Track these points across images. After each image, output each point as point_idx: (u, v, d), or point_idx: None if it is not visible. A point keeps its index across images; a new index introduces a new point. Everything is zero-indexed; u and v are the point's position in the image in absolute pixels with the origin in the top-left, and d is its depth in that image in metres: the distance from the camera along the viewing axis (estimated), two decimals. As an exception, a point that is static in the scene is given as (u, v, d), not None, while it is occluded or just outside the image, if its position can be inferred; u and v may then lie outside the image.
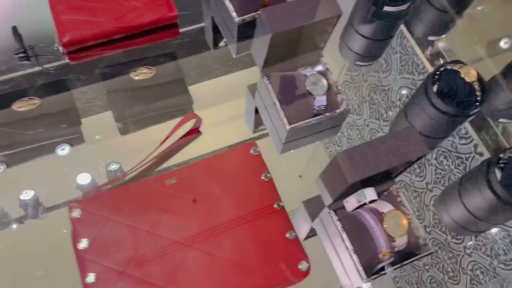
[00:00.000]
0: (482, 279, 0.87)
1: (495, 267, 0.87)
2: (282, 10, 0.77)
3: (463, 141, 0.97)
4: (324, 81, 0.85)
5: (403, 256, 0.75)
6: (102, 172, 0.84)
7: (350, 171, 0.64)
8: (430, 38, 1.12)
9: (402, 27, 1.09)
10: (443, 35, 1.12)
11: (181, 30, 1.00)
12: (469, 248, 0.88)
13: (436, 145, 0.99)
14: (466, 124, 0.97)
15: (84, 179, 0.83)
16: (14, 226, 0.80)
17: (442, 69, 0.83)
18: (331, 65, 0.89)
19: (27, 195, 0.81)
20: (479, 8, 1.16)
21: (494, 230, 0.89)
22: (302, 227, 0.85)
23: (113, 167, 0.84)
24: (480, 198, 0.79)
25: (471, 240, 0.89)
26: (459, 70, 0.81)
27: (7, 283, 0.76)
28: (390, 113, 1.08)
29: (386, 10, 0.92)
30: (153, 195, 0.76)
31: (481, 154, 0.94)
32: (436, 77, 0.83)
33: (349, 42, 1.05)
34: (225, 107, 1.00)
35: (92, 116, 0.90)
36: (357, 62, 1.08)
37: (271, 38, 0.76)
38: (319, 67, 0.88)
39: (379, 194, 0.79)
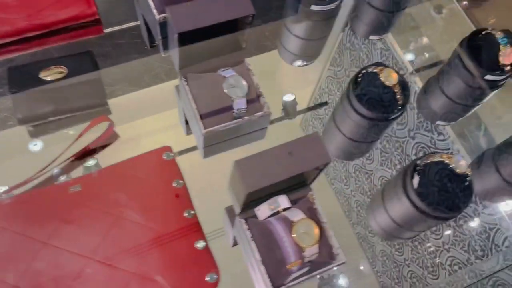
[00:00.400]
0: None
1: (473, 262, 0.87)
2: (192, 8, 0.74)
3: (441, 137, 0.97)
4: (244, 83, 0.82)
5: (316, 266, 0.73)
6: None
7: (246, 181, 0.61)
8: (372, 37, 1.10)
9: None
10: (384, 34, 1.10)
11: (110, 29, 0.95)
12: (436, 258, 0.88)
13: (368, 148, 0.96)
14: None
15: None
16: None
17: (363, 71, 0.80)
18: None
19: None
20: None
21: (472, 224, 0.90)
22: (228, 234, 0.82)
23: (90, 163, 0.81)
24: (399, 206, 0.77)
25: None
26: (379, 73, 0.78)
27: None
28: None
29: (314, 9, 0.90)
30: (54, 203, 0.72)
31: (458, 151, 0.96)
32: (358, 80, 0.80)
33: (284, 43, 1.02)
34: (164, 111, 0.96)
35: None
36: (296, 63, 1.05)
37: (179, 38, 0.72)
38: (238, 69, 0.84)
39: (295, 201, 0.76)
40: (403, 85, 0.79)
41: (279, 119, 0.95)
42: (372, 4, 1.00)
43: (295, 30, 0.97)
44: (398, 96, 0.78)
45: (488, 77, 0.83)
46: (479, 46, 0.84)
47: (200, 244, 0.74)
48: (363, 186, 0.96)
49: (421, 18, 1.15)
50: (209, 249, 0.74)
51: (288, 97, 0.98)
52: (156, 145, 0.84)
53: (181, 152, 0.86)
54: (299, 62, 1.04)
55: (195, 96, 0.81)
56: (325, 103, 1.04)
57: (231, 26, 0.79)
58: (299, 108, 0.99)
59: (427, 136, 0.98)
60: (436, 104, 0.96)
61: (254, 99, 0.83)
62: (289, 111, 0.97)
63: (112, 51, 0.95)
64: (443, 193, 0.70)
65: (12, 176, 0.77)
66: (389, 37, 1.09)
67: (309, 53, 1.05)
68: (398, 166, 0.96)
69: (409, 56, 1.09)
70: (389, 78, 0.78)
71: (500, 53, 0.82)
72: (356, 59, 1.09)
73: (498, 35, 0.83)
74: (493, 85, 0.86)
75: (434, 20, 1.15)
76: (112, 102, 0.89)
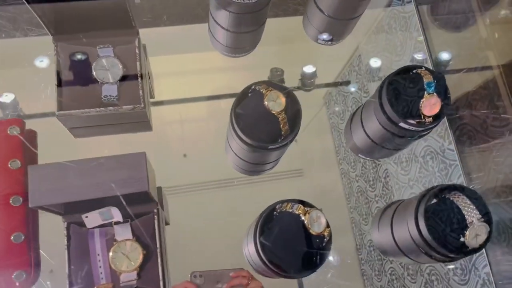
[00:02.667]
0: (435, 285, 0.86)
1: (450, 278, 0.85)
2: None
3: (451, 147, 0.90)
4: (120, 67, 0.71)
5: (135, 293, 0.65)
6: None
7: (33, 195, 0.52)
8: (319, 42, 0.96)
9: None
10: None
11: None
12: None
13: (262, 172, 0.85)
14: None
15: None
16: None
17: (251, 88, 0.67)
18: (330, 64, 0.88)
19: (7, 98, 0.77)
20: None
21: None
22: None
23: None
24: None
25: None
26: (265, 94, 0.65)
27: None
28: (337, 108, 1.03)
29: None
30: None
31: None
32: (243, 97, 0.68)
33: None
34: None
35: None
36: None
37: None
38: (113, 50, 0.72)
39: (138, 215, 0.66)
40: (291, 112, 0.66)
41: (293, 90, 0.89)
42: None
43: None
44: (281, 126, 0.66)
45: (404, 125, 0.70)
46: (403, 87, 0.71)
47: (16, 238, 0.66)
48: (367, 174, 0.95)
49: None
50: (27, 245, 0.67)
51: (308, 69, 0.92)
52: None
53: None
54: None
55: (62, 69, 0.71)
56: (348, 82, 1.01)
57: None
58: (323, 81, 0.95)
59: (439, 142, 0.90)
60: (356, 137, 0.84)
61: (133, 88, 0.73)
62: (305, 82, 0.92)
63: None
64: (283, 252, 0.60)
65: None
66: (432, 32, 0.98)
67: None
68: (404, 164, 0.93)
69: (445, 55, 0.97)
70: (276, 103, 0.66)
71: (422, 101, 0.69)
72: (390, 44, 1.00)
73: (427, 79, 0.69)
74: (412, 135, 0.73)
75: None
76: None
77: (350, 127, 0.86)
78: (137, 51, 0.73)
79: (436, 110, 0.69)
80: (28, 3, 0.61)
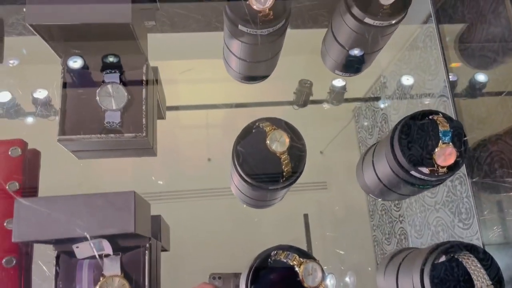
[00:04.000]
0: (441, 236, 0.86)
1: (455, 225, 0.84)
2: None
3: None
4: (125, 95, 0.70)
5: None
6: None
7: (18, 229, 0.51)
8: (337, 72, 0.93)
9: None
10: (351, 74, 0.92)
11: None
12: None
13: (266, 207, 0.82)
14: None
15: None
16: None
17: (255, 125, 0.65)
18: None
19: (41, 94, 0.78)
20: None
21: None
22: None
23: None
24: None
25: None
26: (268, 133, 0.63)
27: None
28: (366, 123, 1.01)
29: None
30: None
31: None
32: (250, 132, 0.65)
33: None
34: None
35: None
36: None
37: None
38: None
39: (126, 248, 0.65)
40: (295, 153, 0.63)
41: (319, 102, 0.91)
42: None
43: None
44: (283, 167, 0.63)
45: (416, 174, 0.66)
46: (417, 133, 0.66)
47: (7, 261, 0.65)
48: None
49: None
50: (18, 270, 0.66)
51: (338, 82, 0.90)
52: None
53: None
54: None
55: (67, 92, 0.70)
56: (378, 98, 1.00)
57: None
58: (352, 95, 0.94)
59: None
60: (367, 177, 0.80)
61: (137, 114, 0.71)
62: (335, 96, 0.91)
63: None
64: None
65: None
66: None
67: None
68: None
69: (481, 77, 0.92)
70: (279, 143, 0.63)
71: (436, 150, 0.64)
72: (424, 62, 0.96)
73: (443, 127, 0.65)
74: (424, 184, 0.68)
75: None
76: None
77: (362, 166, 0.82)
78: (144, 77, 0.72)
79: (450, 161, 0.64)
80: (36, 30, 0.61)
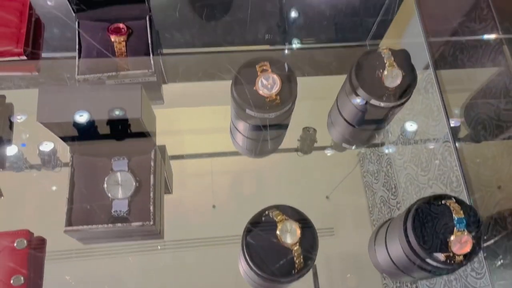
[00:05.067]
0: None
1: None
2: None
3: None
4: (132, 184, 0.69)
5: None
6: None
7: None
8: (344, 145, 0.93)
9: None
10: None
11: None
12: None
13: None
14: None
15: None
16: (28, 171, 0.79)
17: (264, 214, 0.64)
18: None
19: (47, 146, 0.78)
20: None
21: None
22: None
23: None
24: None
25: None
26: (278, 223, 0.61)
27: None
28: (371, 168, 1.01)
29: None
30: None
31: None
32: (260, 222, 0.64)
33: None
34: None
35: None
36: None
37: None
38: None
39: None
40: (306, 246, 0.62)
41: (323, 148, 0.91)
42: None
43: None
44: (295, 259, 0.61)
45: (430, 261, 0.64)
46: (431, 218, 0.65)
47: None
48: (390, 182, 0.93)
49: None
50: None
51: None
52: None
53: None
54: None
55: (75, 181, 0.70)
56: (383, 143, 0.99)
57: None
58: None
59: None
60: (379, 256, 0.78)
61: (144, 202, 0.71)
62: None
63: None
64: None
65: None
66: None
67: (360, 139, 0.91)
68: (424, 164, 0.90)
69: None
70: (290, 235, 0.61)
71: (452, 237, 0.63)
72: (427, 108, 0.97)
73: (457, 214, 0.63)
74: (440, 272, 0.66)
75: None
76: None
77: (374, 243, 0.80)
78: (152, 163, 0.72)
79: (466, 249, 0.62)
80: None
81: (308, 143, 0.90)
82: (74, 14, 0.80)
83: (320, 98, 0.94)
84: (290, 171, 0.91)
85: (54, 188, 0.79)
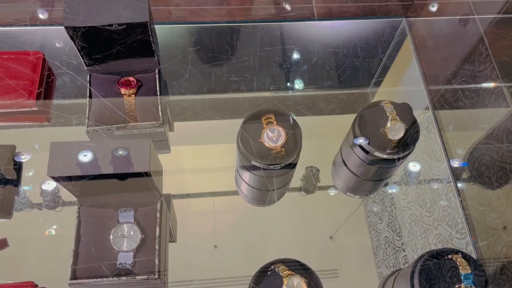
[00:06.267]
0: None
1: (453, 237, 0.84)
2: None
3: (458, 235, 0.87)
4: (138, 236, 0.69)
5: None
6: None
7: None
8: (348, 194, 0.93)
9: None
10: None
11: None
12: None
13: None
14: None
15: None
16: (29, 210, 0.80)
17: (269, 269, 0.64)
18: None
19: (49, 185, 0.80)
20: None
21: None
22: None
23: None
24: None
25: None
26: (284, 279, 0.61)
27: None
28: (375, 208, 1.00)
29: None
30: None
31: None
32: (265, 277, 0.64)
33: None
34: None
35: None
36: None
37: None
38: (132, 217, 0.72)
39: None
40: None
41: (326, 188, 0.92)
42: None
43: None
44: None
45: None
46: (437, 274, 0.64)
47: None
48: (394, 223, 0.93)
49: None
50: None
51: None
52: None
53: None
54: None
55: (81, 234, 0.70)
56: (386, 183, 0.96)
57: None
58: None
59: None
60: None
61: (151, 254, 0.70)
62: None
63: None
64: None
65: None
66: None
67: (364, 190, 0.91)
68: (429, 205, 0.91)
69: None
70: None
71: (460, 292, 0.62)
72: (429, 148, 0.98)
73: (464, 270, 0.63)
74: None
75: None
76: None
77: (381, 295, 0.79)
78: (158, 215, 0.72)
79: (475, 306, 0.61)
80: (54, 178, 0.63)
81: (311, 182, 0.91)
82: (85, 68, 0.83)
83: (322, 137, 0.95)
84: (293, 211, 0.91)
85: (59, 230, 0.79)
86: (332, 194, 0.91)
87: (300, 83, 1.01)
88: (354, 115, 0.81)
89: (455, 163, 0.91)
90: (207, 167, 0.94)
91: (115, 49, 0.81)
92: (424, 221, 0.92)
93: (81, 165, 0.61)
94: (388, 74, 1.07)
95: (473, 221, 0.85)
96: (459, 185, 0.89)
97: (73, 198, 0.74)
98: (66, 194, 0.79)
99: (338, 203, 0.92)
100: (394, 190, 1.01)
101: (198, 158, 0.94)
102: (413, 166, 0.96)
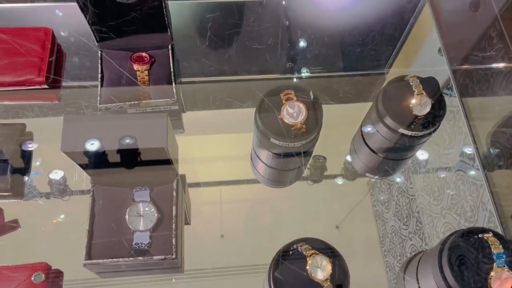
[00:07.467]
0: None
1: (462, 226, 0.82)
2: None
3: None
4: (154, 215, 0.67)
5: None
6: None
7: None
8: (368, 175, 0.90)
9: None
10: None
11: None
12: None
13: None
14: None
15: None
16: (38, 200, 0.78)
17: (292, 248, 0.61)
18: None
19: (57, 175, 0.78)
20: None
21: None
22: None
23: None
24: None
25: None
26: (308, 258, 0.58)
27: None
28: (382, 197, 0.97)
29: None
30: None
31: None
32: (287, 256, 0.61)
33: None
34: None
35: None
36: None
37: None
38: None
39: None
40: (338, 281, 0.59)
41: (333, 177, 0.89)
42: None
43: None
44: (325, 293, 0.58)
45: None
46: (467, 254, 0.62)
47: None
48: (401, 212, 0.91)
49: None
50: None
51: None
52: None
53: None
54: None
55: (96, 213, 0.68)
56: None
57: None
58: None
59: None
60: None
61: (168, 234, 0.68)
62: (350, 173, 0.89)
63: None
64: None
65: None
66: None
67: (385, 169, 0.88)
68: (436, 194, 0.88)
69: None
70: (321, 270, 0.58)
71: (492, 275, 0.59)
72: (438, 136, 0.93)
73: (496, 249, 0.60)
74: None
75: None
76: None
77: (404, 278, 0.77)
78: (174, 194, 0.70)
79: (507, 286, 0.59)
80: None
81: (318, 171, 0.88)
82: (97, 43, 0.80)
83: (330, 126, 0.93)
84: (300, 200, 0.89)
85: (70, 217, 0.78)
86: (339, 183, 0.89)
87: (306, 70, 0.97)
88: (368, 104, 0.78)
89: (468, 150, 0.88)
90: (219, 156, 0.91)
91: (127, 21, 0.78)
92: (432, 210, 0.90)
93: (95, 141, 0.58)
94: (404, 55, 1.03)
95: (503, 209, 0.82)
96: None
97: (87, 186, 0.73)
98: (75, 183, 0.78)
99: (345, 192, 0.90)
100: (401, 179, 0.99)
101: (210, 147, 0.92)
102: (421, 155, 0.94)
